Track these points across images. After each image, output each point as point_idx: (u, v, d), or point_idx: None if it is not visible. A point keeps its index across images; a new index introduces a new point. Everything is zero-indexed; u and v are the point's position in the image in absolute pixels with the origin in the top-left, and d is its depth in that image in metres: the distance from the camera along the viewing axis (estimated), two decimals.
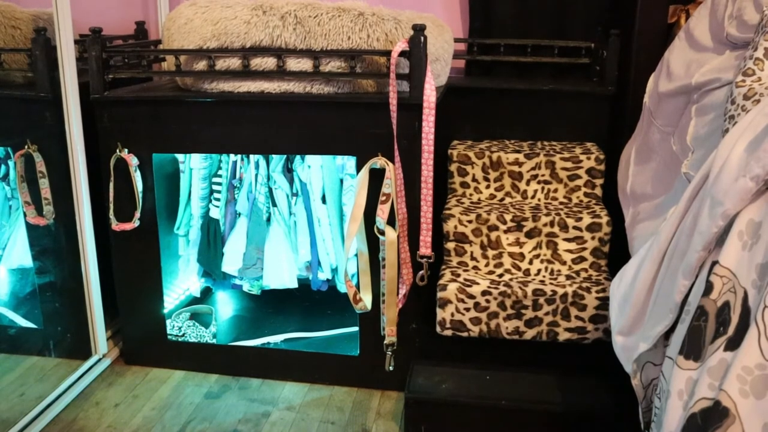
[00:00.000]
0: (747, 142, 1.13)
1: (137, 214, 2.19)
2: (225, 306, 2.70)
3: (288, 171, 2.38)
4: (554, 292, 1.99)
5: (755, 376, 0.95)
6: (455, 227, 2.15)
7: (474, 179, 2.32)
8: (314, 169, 2.34)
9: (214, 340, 2.41)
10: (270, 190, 2.39)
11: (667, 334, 1.26)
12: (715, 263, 1.10)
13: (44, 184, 2.19)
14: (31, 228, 2.29)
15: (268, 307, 2.65)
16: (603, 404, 1.92)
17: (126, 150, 2.14)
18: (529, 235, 2.14)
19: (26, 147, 2.17)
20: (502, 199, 2.31)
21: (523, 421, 1.92)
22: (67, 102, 2.10)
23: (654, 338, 1.28)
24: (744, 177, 1.08)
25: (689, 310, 1.15)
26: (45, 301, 2.37)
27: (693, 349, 1.08)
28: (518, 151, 2.30)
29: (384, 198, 2.00)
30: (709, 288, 1.09)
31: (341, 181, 2.37)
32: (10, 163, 2.38)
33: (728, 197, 1.10)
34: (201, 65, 2.06)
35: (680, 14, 2.23)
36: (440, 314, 2.04)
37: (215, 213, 2.42)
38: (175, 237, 2.48)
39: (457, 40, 2.56)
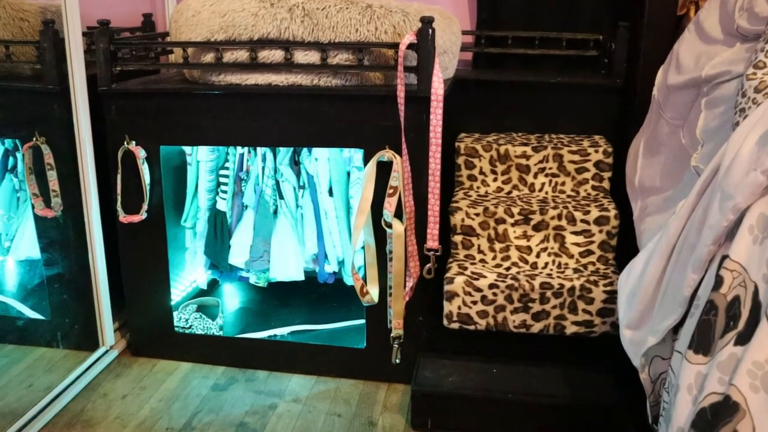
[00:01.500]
0: (758, 136, 1.12)
1: (144, 207, 2.19)
2: (232, 298, 2.71)
3: (295, 163, 2.38)
4: (561, 286, 1.99)
5: (766, 371, 0.94)
6: (462, 220, 2.14)
7: (481, 172, 2.31)
8: (321, 161, 2.34)
9: (221, 332, 2.41)
10: (277, 183, 2.38)
11: (676, 328, 1.25)
12: (725, 257, 1.09)
13: (52, 176, 2.19)
14: (39, 220, 2.29)
15: (275, 299, 2.65)
16: (610, 398, 1.92)
17: (134, 142, 2.14)
18: (537, 228, 2.13)
19: (34, 139, 2.17)
20: (509, 192, 2.30)
21: (530, 415, 1.92)
22: (75, 94, 2.10)
23: (663, 332, 1.27)
24: (755, 171, 1.08)
25: (699, 304, 1.15)
26: (53, 293, 2.38)
27: (703, 344, 1.07)
28: (526, 144, 2.29)
29: (391, 191, 1.99)
30: (719, 282, 1.08)
31: (348, 173, 2.36)
32: (18, 155, 2.39)
33: (739, 191, 1.09)
34: (209, 57, 2.06)
35: (690, 6, 2.21)
36: (447, 307, 2.04)
37: (222, 205, 2.42)
38: (182, 229, 2.48)
39: (464, 33, 2.55)
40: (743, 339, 1.00)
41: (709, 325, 1.07)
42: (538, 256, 2.14)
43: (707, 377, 1.03)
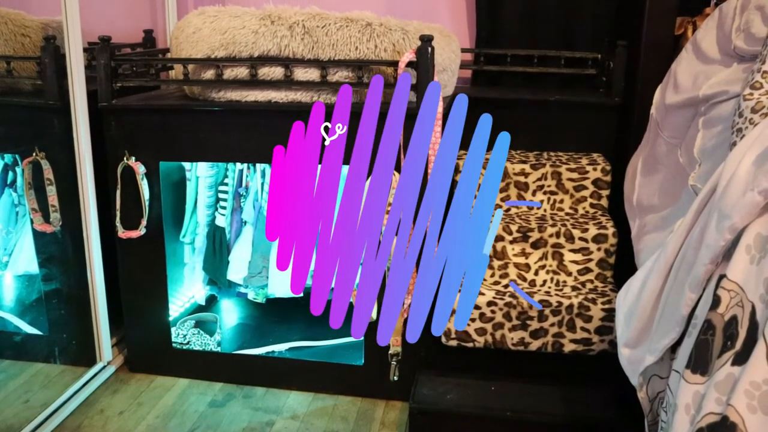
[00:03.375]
0: (755, 156, 1.13)
1: (143, 222, 2.19)
2: (230, 314, 2.70)
3: None
4: (560, 303, 1.99)
5: (763, 391, 0.94)
6: None
7: None
8: None
9: (219, 348, 2.41)
10: None
11: (674, 347, 1.25)
12: (722, 277, 1.09)
13: (51, 192, 2.20)
14: (37, 235, 2.29)
15: (273, 315, 2.64)
16: (608, 416, 1.91)
17: (133, 158, 2.15)
18: (535, 245, 2.13)
19: (34, 154, 2.18)
20: (507, 210, 2.31)
21: None
22: (76, 110, 2.11)
23: (660, 351, 1.27)
24: (752, 191, 1.08)
25: (696, 323, 1.15)
26: (51, 308, 2.37)
27: (700, 363, 1.07)
28: (524, 162, 2.30)
29: (389, 208, 1.99)
30: (716, 302, 1.08)
31: None
32: (18, 170, 2.39)
33: (736, 211, 1.10)
34: (209, 74, 2.07)
35: (687, 26, 2.23)
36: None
37: (221, 221, 2.43)
38: (181, 245, 2.48)
39: (463, 50, 2.56)
40: (741, 359, 1.00)
41: (707, 345, 1.07)
42: (536, 273, 2.14)
43: (705, 397, 1.02)
